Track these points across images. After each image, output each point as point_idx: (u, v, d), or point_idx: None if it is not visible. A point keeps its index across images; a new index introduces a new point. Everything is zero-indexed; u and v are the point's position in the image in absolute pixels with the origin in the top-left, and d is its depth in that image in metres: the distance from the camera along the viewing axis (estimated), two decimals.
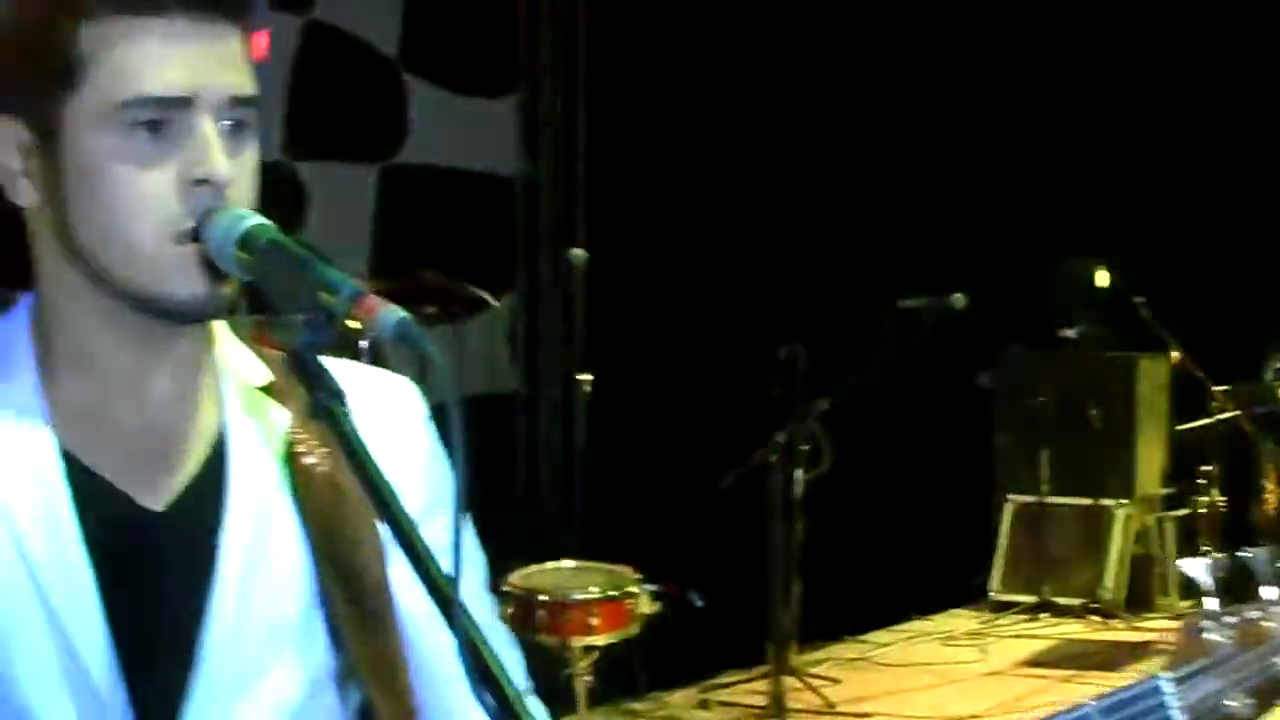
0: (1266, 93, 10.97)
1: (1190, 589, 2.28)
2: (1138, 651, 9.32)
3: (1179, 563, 2.36)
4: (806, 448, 8.37)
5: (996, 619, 10.15)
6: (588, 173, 10.88)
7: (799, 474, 8.32)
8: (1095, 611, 10.19)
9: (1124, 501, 10.43)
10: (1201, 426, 9.51)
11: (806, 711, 8.38)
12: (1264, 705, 2.12)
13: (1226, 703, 2.10)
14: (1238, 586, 2.27)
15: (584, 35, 10.89)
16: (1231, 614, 2.16)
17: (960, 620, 10.23)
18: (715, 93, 10.30)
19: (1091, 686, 7.92)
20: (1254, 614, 2.16)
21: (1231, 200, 11.25)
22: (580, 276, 8.10)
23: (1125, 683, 2.11)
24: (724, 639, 8.41)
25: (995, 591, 10.48)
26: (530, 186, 10.85)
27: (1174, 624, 2.44)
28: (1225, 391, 9.41)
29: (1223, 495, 9.44)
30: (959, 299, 7.53)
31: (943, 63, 10.81)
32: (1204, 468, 9.44)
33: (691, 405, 9.07)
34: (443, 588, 1.76)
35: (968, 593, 10.64)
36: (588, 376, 8.04)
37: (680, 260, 9.95)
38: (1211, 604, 2.17)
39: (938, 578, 10.37)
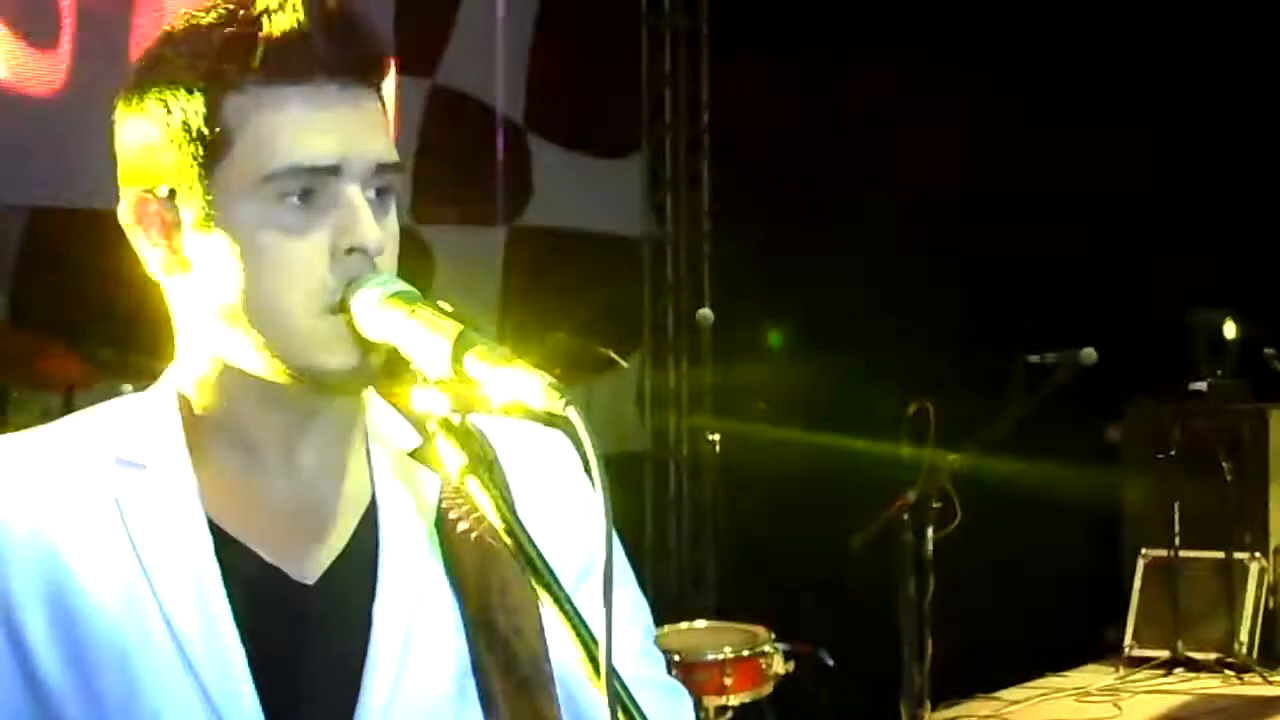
0: None
1: None
2: (1271, 706, 9.22)
3: None
4: (937, 505, 8.34)
5: (1130, 674, 10.03)
6: (713, 231, 10.90)
7: (930, 531, 8.29)
8: (1229, 666, 10.06)
9: (1257, 555, 10.32)
10: None
11: None
12: None
13: None
14: None
15: (707, 93, 10.93)
16: None
17: (1094, 676, 10.12)
18: (836, 148, 10.31)
19: None
20: None
21: None
22: (707, 335, 8.11)
23: None
24: (856, 698, 8.37)
25: (1129, 646, 10.38)
26: (656, 246, 10.89)
27: None
28: None
29: None
30: (1090, 353, 7.48)
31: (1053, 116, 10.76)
32: None
33: (822, 463, 9.05)
34: (596, 658, 1.76)
35: (1101, 648, 10.54)
36: (716, 435, 8.05)
37: (807, 317, 9.95)
38: None
39: (1071, 633, 10.29)
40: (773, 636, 6.95)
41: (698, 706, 6.70)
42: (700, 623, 7.22)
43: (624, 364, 8.45)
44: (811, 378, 9.84)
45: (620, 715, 1.74)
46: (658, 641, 6.80)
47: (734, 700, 6.76)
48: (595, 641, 1.76)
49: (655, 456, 10.78)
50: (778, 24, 10.49)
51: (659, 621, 7.01)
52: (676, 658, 6.66)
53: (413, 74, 9.55)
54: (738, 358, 9.39)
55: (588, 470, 1.91)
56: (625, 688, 1.77)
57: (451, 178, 9.67)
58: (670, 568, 10.65)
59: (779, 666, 6.87)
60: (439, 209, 9.56)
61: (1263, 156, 11.26)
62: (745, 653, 6.76)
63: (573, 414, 1.75)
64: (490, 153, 10.05)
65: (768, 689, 6.87)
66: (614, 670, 1.76)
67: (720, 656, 6.73)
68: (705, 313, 8.27)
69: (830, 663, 7.49)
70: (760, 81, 10.45)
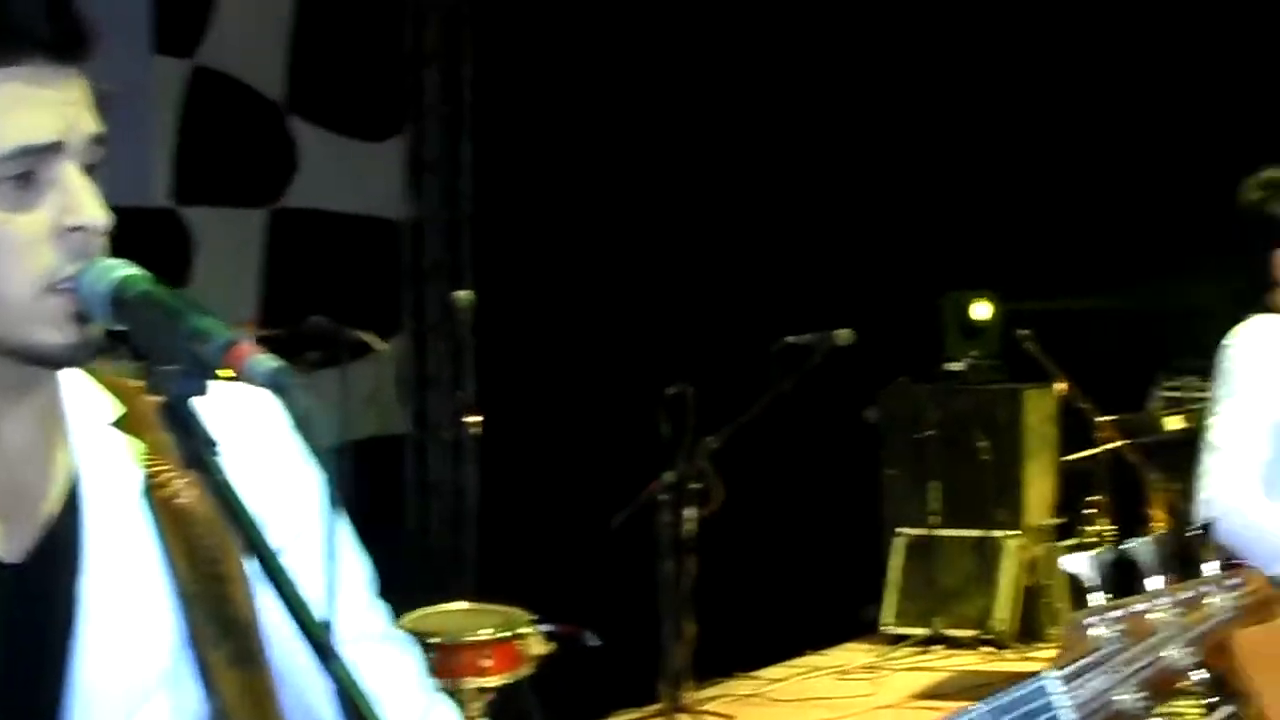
0: (1151, 131, 11.10)
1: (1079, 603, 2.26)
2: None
3: (1061, 560, 2.32)
4: (697, 486, 8.39)
5: (889, 652, 10.19)
6: (474, 214, 10.86)
7: (689, 512, 8.33)
8: (987, 643, 10.25)
9: (1013, 533, 10.51)
10: (1088, 457, 9.56)
11: None
12: (1155, 698, 2.13)
13: (1116, 698, 2.10)
14: (1123, 580, 2.27)
15: (469, 77, 10.88)
16: (1117, 609, 2.15)
17: (853, 654, 10.27)
18: (598, 130, 10.32)
19: None
20: (1140, 607, 2.16)
21: (1116, 232, 11.38)
22: (466, 318, 8.06)
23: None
24: (618, 678, 8.39)
25: (887, 625, 10.53)
26: (416, 229, 10.83)
27: None
28: (1111, 422, 9.46)
29: (1111, 525, 9.47)
30: (845, 334, 7.57)
31: (824, 103, 10.88)
32: (1092, 498, 9.48)
33: (581, 445, 9.07)
34: (316, 633, 1.74)
35: (860, 627, 10.68)
36: (476, 418, 8.00)
37: (568, 300, 9.95)
38: (1097, 600, 2.16)
39: (830, 612, 10.41)
40: (533, 618, 6.93)
41: (456, 690, 6.69)
42: (460, 605, 7.17)
43: (382, 347, 8.38)
44: (572, 359, 9.84)
45: (352, 697, 1.73)
46: (417, 623, 6.76)
47: (493, 682, 6.71)
48: (307, 605, 1.74)
49: (416, 439, 10.75)
50: (541, 7, 10.49)
51: (421, 604, 7.00)
52: (435, 640, 6.62)
53: (173, 54, 9.40)
54: (498, 340, 9.34)
55: (302, 432, 1.88)
56: (340, 659, 1.75)
57: (212, 159, 9.55)
58: (431, 549, 10.62)
59: (538, 648, 6.84)
60: (200, 190, 9.44)
61: (1015, 141, 11.46)
62: (504, 634, 6.71)
63: (288, 380, 1.73)
64: (251, 134, 9.93)
65: (527, 670, 6.84)
66: (330, 636, 1.74)
67: (478, 638, 6.68)
68: (464, 294, 8.21)
69: (595, 644, 7.48)
70: (523, 65, 10.44)
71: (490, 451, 8.29)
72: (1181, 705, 8.20)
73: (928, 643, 10.31)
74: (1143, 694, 2.11)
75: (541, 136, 10.38)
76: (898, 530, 10.76)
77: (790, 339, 7.64)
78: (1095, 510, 9.42)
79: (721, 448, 8.00)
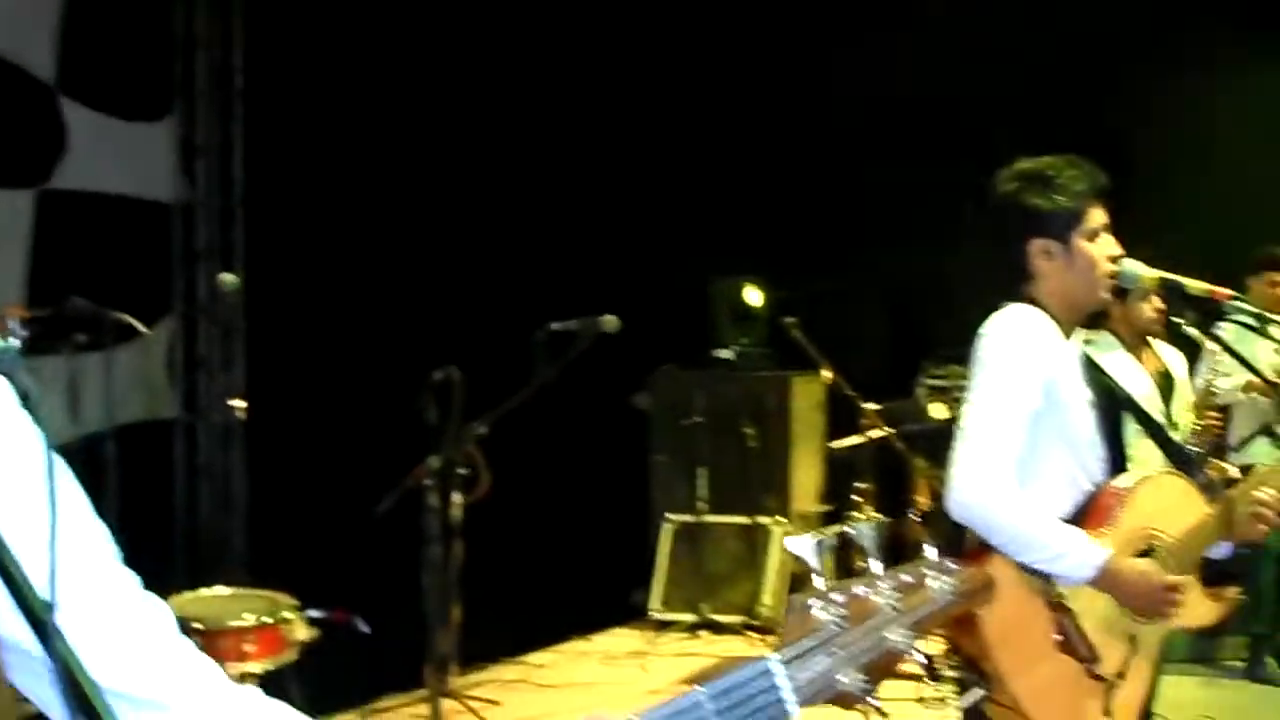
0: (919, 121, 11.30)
1: None
2: None
3: (786, 541, 2.34)
4: (464, 471, 8.41)
5: (657, 637, 10.27)
6: (245, 198, 10.78)
7: (456, 497, 8.36)
8: (754, 628, 10.38)
9: (781, 519, 10.64)
10: (854, 444, 9.70)
11: None
12: (876, 680, 2.15)
13: (838, 679, 2.12)
14: (846, 562, 2.32)
15: (239, 63, 10.79)
16: (840, 591, 2.17)
17: (621, 640, 10.34)
18: (369, 118, 10.30)
19: None
20: (861, 590, 2.19)
21: (884, 221, 11.57)
22: (234, 301, 8.01)
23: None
24: (384, 663, 8.39)
25: (655, 610, 10.61)
26: (187, 212, 10.72)
27: None
28: (877, 410, 9.61)
29: (877, 511, 9.60)
30: (610, 320, 7.61)
31: (587, 91, 10.93)
32: (858, 484, 9.61)
33: (349, 430, 9.04)
34: (37, 611, 1.75)
35: (628, 612, 10.76)
36: (241, 402, 7.97)
37: (337, 284, 9.92)
38: (819, 583, 2.18)
39: (598, 598, 10.49)
40: (297, 603, 6.90)
41: None
42: (223, 590, 7.12)
43: (146, 331, 8.28)
44: (341, 344, 9.80)
45: (68, 678, 1.74)
46: (181, 608, 6.70)
47: (255, 668, 6.68)
48: (38, 599, 1.74)
49: (185, 422, 10.64)
50: None
51: (188, 589, 6.94)
52: (198, 625, 6.58)
53: None
54: (268, 324, 9.29)
55: (29, 411, 1.89)
56: (62, 638, 1.75)
57: None
58: (199, 534, 10.53)
59: (302, 633, 6.81)
60: None
61: (779, 131, 11.62)
62: (266, 619, 6.67)
63: (11, 360, 1.74)
64: (21, 115, 9.77)
65: (291, 656, 6.81)
66: (52, 615, 1.74)
67: (241, 624, 6.64)
68: (228, 278, 8.16)
69: (365, 629, 7.47)
70: (294, 50, 10.37)
71: (258, 436, 8.27)
72: (939, 688, 8.41)
73: (695, 628, 10.41)
74: (864, 675, 2.14)
75: (312, 122, 10.33)
76: (666, 516, 10.85)
77: (555, 325, 7.67)
78: (861, 497, 9.56)
79: (489, 433, 8.01)
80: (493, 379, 7.97)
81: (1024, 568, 3.90)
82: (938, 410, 11.18)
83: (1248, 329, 5.06)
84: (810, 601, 2.15)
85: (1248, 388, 8.61)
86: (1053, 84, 12.05)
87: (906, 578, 2.25)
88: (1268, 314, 5.45)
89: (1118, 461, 4.26)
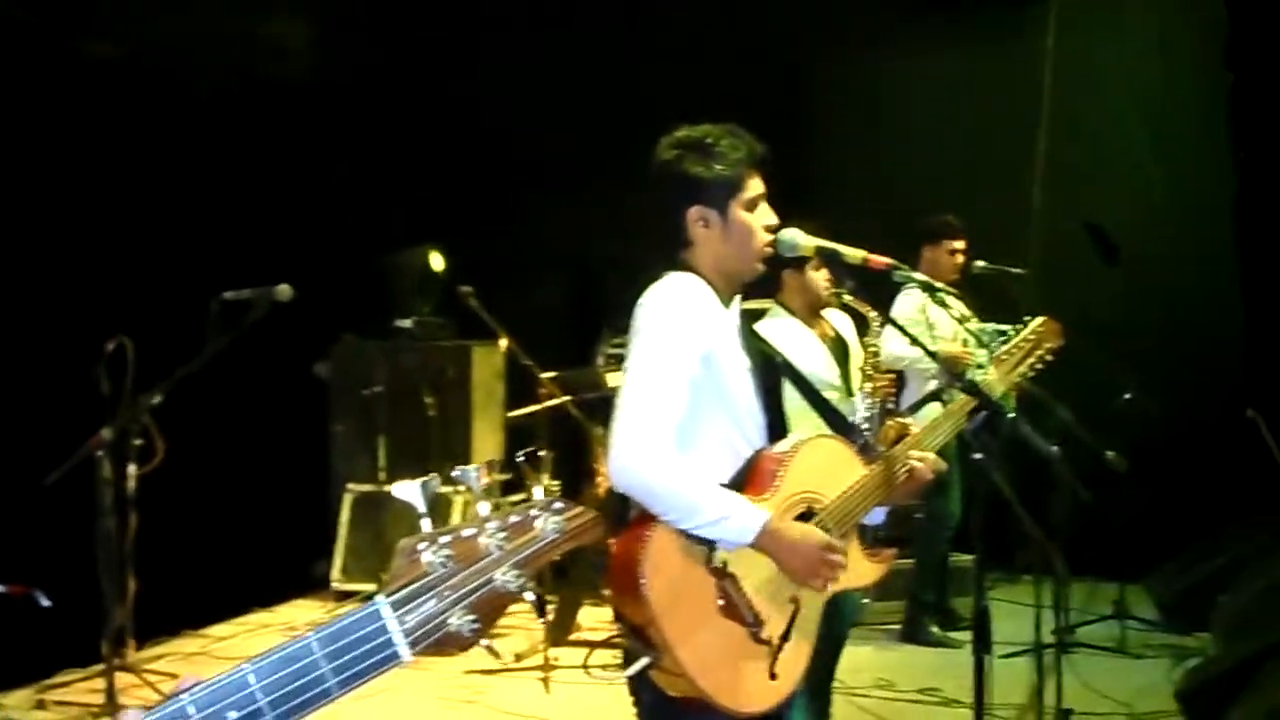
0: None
1: None
2: None
3: (393, 488, 2.35)
4: (139, 442, 8.30)
5: (339, 608, 10.22)
6: None
7: (131, 468, 8.25)
8: None
9: (460, 488, 10.66)
10: (533, 413, 9.76)
11: (147, 707, 8.29)
12: (486, 621, 2.18)
13: (448, 621, 2.14)
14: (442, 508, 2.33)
15: None
16: (448, 534, 2.19)
17: (303, 610, 10.31)
18: (32, 85, 10.05)
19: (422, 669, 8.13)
20: (469, 532, 2.22)
21: (564, 190, 11.66)
22: None
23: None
24: (61, 638, 8.25)
25: (336, 580, 10.59)
26: None
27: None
28: (554, 378, 9.68)
29: (556, 479, 9.66)
30: (284, 290, 7.56)
31: (262, 63, 10.83)
32: (538, 453, 9.66)
33: (20, 401, 8.83)
34: None
35: (309, 583, 10.72)
36: None
37: (4, 252, 9.69)
38: (427, 525, 2.21)
39: (279, 569, 10.42)
40: None
41: None
42: None
43: None
44: (10, 313, 9.56)
45: None
46: None
47: None
48: None
49: None
50: None
51: None
52: None
53: None
54: None
55: None
56: None
57: None
58: None
59: None
60: None
61: (458, 95, 11.66)
62: None
63: None
64: None
65: None
66: None
67: None
68: None
69: (46, 604, 7.34)
70: None
71: None
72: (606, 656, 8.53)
73: (373, 597, 10.38)
74: (473, 616, 2.16)
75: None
76: (346, 486, 10.82)
77: (229, 294, 7.60)
78: (540, 465, 9.63)
79: (163, 403, 7.92)
80: (167, 349, 7.88)
81: (686, 535, 3.92)
82: (616, 379, 11.30)
83: (931, 296, 5.22)
84: (419, 545, 2.17)
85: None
86: (729, 57, 12.26)
87: (514, 518, 2.26)
88: (933, 282, 5.63)
89: (777, 428, 4.31)
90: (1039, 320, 5.08)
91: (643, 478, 3.89)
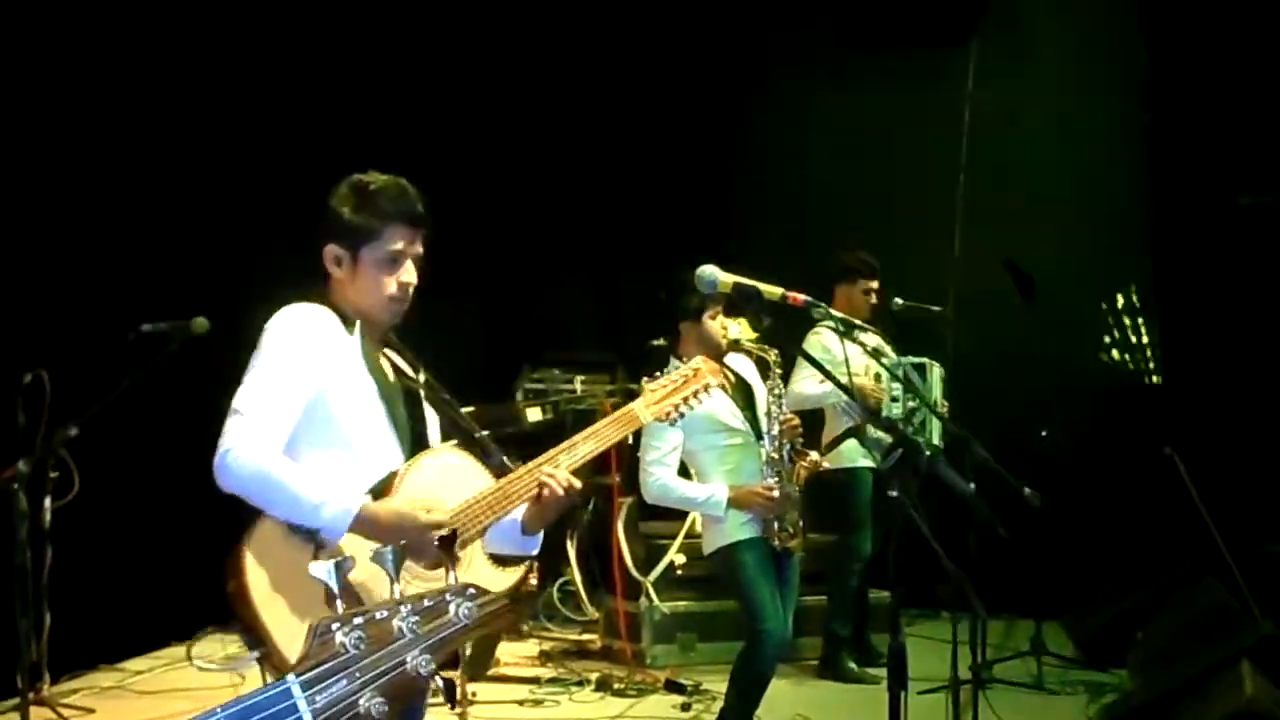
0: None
1: None
2: None
3: (310, 567, 2.35)
4: (55, 474, 8.26)
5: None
6: None
7: (47, 501, 8.20)
8: None
9: None
10: None
11: None
12: (396, 703, 2.17)
13: (359, 703, 2.14)
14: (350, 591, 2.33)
15: None
16: (361, 615, 2.19)
17: (217, 645, 10.24)
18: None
19: None
20: (383, 614, 2.22)
21: (483, 226, 11.67)
22: None
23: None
24: None
25: None
26: None
27: None
28: (472, 412, 9.65)
29: None
30: (200, 323, 7.53)
31: (189, 89, 10.78)
32: None
33: None
34: None
35: (226, 617, 10.63)
36: None
37: None
38: (340, 606, 2.21)
39: (195, 603, 10.32)
40: None
41: None
42: None
43: None
44: None
45: None
46: None
47: None
48: None
49: None
50: None
51: None
52: None
53: None
54: None
55: None
56: None
57: None
58: None
59: None
60: None
61: (369, 125, 11.65)
62: None
63: None
64: None
65: None
66: None
67: None
68: None
69: None
70: None
71: None
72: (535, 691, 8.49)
73: None
74: (381, 698, 2.15)
75: None
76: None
77: (146, 326, 7.57)
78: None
79: (80, 435, 7.87)
80: (84, 381, 7.83)
81: (291, 527, 4.00)
82: (534, 413, 11.32)
83: (840, 334, 5.26)
84: (332, 625, 2.17)
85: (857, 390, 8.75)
86: (654, 96, 12.32)
87: (428, 602, 2.28)
88: (851, 319, 5.69)
89: (412, 446, 4.41)
90: (696, 359, 5.23)
91: (252, 468, 3.98)
